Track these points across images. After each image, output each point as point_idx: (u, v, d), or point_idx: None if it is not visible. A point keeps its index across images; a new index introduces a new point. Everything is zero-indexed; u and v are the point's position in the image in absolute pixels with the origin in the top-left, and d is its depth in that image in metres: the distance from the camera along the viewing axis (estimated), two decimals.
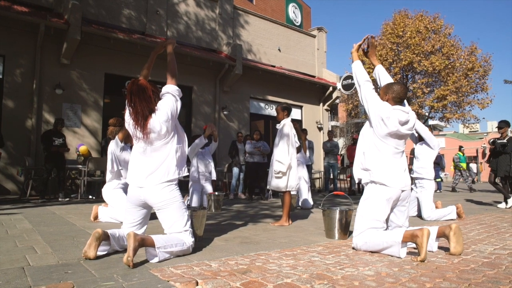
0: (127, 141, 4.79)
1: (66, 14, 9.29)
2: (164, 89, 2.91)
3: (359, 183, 3.21)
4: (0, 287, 1.90)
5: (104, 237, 2.58)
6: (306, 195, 6.90)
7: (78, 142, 9.19)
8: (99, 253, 2.59)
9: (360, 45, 3.42)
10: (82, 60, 9.64)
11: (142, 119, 2.69)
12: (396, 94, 3.06)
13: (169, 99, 2.84)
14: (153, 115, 2.72)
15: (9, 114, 8.67)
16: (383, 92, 3.17)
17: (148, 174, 2.74)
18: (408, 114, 3.01)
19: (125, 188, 4.79)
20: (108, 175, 4.81)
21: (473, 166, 22.69)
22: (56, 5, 9.73)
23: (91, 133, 9.72)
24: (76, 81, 9.58)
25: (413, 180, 5.57)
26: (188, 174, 2.86)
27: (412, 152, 5.82)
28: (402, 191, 3.00)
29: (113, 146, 4.70)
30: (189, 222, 2.83)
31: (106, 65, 10.07)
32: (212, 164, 6.52)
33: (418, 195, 5.39)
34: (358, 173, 3.15)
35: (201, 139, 5.98)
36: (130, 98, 2.72)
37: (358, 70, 3.26)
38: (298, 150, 6.67)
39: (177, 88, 2.95)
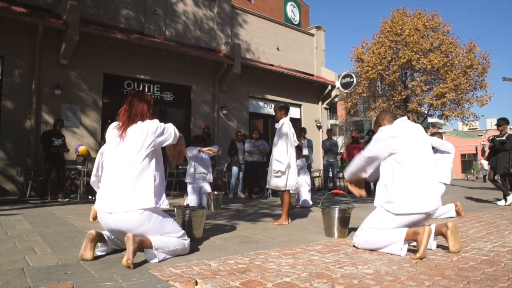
0: None
1: (64, 14, 9.28)
2: (169, 127, 2.74)
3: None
4: None
5: (99, 238, 2.56)
6: (306, 195, 6.94)
7: (77, 143, 9.18)
8: (98, 253, 2.59)
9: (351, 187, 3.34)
10: (80, 60, 9.63)
11: (127, 121, 2.61)
12: (388, 118, 3.14)
13: (169, 127, 2.71)
14: (139, 123, 2.61)
15: (8, 115, 8.66)
16: (376, 126, 3.21)
17: (118, 196, 2.46)
18: (408, 120, 3.03)
19: None
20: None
21: (484, 162, 22.75)
22: (54, 5, 9.72)
23: (90, 134, 9.72)
24: (75, 82, 9.57)
25: None
26: (167, 207, 2.65)
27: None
28: (429, 213, 2.83)
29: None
30: (178, 227, 2.72)
31: (104, 65, 10.07)
32: (209, 168, 6.51)
33: None
34: (383, 205, 2.89)
35: (196, 150, 5.98)
36: (131, 99, 2.72)
37: (351, 168, 3.18)
38: (298, 154, 6.71)
39: (174, 130, 2.76)
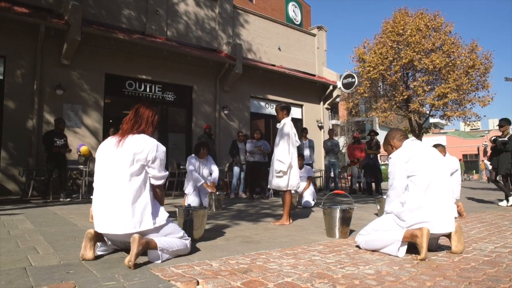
0: None
1: (66, 14, 9.30)
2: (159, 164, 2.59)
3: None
4: (2, 287, 1.91)
5: (98, 237, 2.56)
6: (308, 197, 6.96)
7: (79, 143, 9.20)
8: (99, 253, 2.60)
9: None
10: (82, 60, 9.65)
11: (128, 129, 2.58)
12: (399, 137, 3.10)
13: (160, 156, 2.56)
14: (138, 135, 2.56)
15: (10, 115, 8.68)
16: (385, 144, 3.20)
17: (115, 217, 2.41)
18: (416, 140, 3.02)
19: None
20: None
21: (488, 163, 22.83)
22: (56, 6, 9.73)
23: (92, 133, 9.74)
24: (76, 82, 9.59)
25: None
26: (164, 222, 2.63)
27: None
28: (442, 234, 2.81)
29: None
30: (178, 228, 2.72)
31: (106, 65, 10.08)
32: (213, 166, 6.55)
33: None
34: (399, 222, 2.83)
35: (199, 183, 6.22)
36: (137, 108, 2.67)
37: (394, 208, 2.90)
38: (301, 162, 6.73)
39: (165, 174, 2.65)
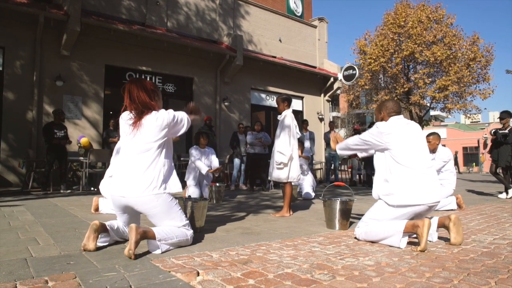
0: None
1: (65, 5, 9.24)
2: (182, 115, 2.80)
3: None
4: (3, 278, 1.92)
5: (103, 229, 2.59)
6: (308, 188, 6.97)
7: (79, 134, 9.20)
8: (100, 244, 2.61)
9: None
10: (82, 51, 9.60)
11: (138, 113, 2.62)
12: (390, 110, 3.11)
13: (173, 114, 2.71)
14: (151, 113, 2.63)
15: (9, 106, 8.66)
16: (377, 111, 3.23)
17: (130, 182, 2.57)
18: (404, 119, 3.04)
19: None
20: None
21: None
22: None
23: (92, 125, 9.73)
24: (76, 73, 9.56)
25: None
26: (179, 190, 2.76)
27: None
28: (430, 206, 2.85)
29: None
30: (184, 216, 2.77)
31: (106, 56, 10.04)
32: (214, 160, 6.54)
33: None
34: (379, 195, 2.98)
35: (204, 170, 6.21)
36: (129, 87, 2.66)
37: (343, 147, 3.29)
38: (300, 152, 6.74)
39: (187, 118, 2.83)
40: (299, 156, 6.50)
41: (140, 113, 2.63)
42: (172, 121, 2.68)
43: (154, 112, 2.65)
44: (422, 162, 2.88)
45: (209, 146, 6.68)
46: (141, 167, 2.58)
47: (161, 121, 2.62)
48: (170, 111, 2.72)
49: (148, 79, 10.83)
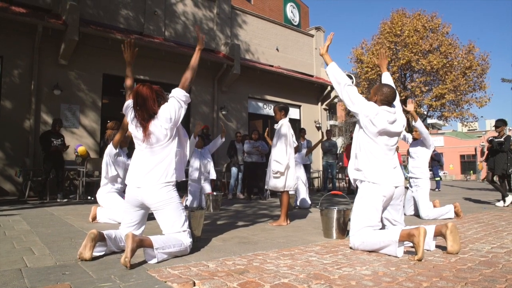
0: (122, 145, 4.88)
1: (64, 14, 9.28)
2: (172, 92, 2.92)
3: (354, 183, 3.24)
4: None
5: (100, 238, 2.58)
6: (304, 194, 6.91)
7: (77, 143, 9.17)
8: (96, 254, 2.59)
9: (328, 46, 3.42)
10: (80, 60, 9.62)
11: (143, 121, 2.76)
12: (385, 97, 3.16)
13: (173, 103, 2.86)
14: (154, 118, 2.78)
15: (7, 115, 8.65)
16: (373, 92, 3.27)
17: (145, 174, 2.76)
18: (394, 114, 3.11)
19: (119, 192, 4.83)
20: (103, 180, 4.84)
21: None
22: (53, 5, 9.71)
23: (90, 134, 9.71)
24: (74, 82, 9.57)
25: (408, 179, 5.69)
26: (186, 179, 2.86)
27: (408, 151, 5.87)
28: (396, 187, 3.05)
29: (109, 150, 4.75)
30: (186, 223, 2.83)
31: (104, 65, 10.06)
32: (211, 164, 6.54)
33: (414, 194, 5.45)
34: (352, 173, 3.21)
35: (192, 139, 6.07)
36: (136, 101, 2.78)
37: (336, 72, 3.24)
38: (296, 150, 6.70)
39: (184, 93, 2.95)
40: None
41: (146, 122, 2.77)
42: (170, 118, 2.80)
43: (155, 117, 2.79)
44: (387, 148, 3.10)
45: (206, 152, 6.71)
46: (155, 160, 2.79)
47: (163, 120, 2.78)
48: (165, 110, 2.81)
49: None
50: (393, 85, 3.35)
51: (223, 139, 6.75)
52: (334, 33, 3.49)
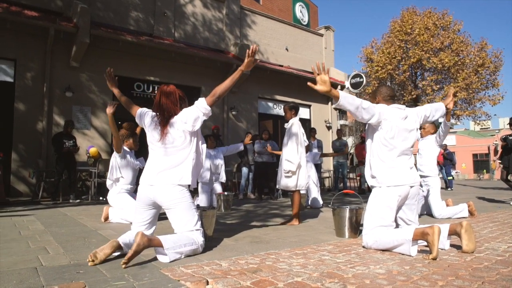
0: (132, 148, 4.96)
1: (75, 17, 9.39)
2: (196, 101, 2.94)
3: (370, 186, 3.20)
4: (14, 287, 1.92)
5: (119, 247, 2.58)
6: (315, 194, 6.88)
7: (88, 144, 9.27)
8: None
9: (328, 80, 3.18)
10: (91, 62, 9.73)
11: (163, 120, 2.83)
12: (385, 95, 3.17)
13: (193, 110, 2.88)
14: (174, 118, 2.85)
15: (20, 117, 8.78)
16: (373, 97, 3.28)
17: (158, 172, 2.78)
18: (404, 110, 3.10)
19: (129, 192, 4.86)
20: (108, 182, 4.88)
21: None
22: (65, 9, 9.84)
23: (101, 135, 9.81)
24: (85, 84, 9.67)
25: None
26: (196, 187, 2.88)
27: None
28: (411, 187, 3.01)
29: (115, 152, 4.81)
30: (199, 222, 2.83)
31: (114, 67, 9.91)
32: (222, 166, 6.54)
33: (425, 193, 5.35)
34: (369, 181, 3.17)
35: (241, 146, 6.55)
36: (159, 99, 2.89)
37: (349, 98, 2.97)
38: (307, 149, 6.68)
39: (206, 107, 2.90)
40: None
41: (165, 121, 2.84)
42: (189, 124, 2.84)
43: (174, 118, 2.85)
44: (405, 149, 3.04)
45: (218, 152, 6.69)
46: (171, 161, 2.81)
47: (183, 125, 2.83)
48: (184, 115, 2.86)
49: (156, 89, 10.95)
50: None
51: (242, 148, 6.74)
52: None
